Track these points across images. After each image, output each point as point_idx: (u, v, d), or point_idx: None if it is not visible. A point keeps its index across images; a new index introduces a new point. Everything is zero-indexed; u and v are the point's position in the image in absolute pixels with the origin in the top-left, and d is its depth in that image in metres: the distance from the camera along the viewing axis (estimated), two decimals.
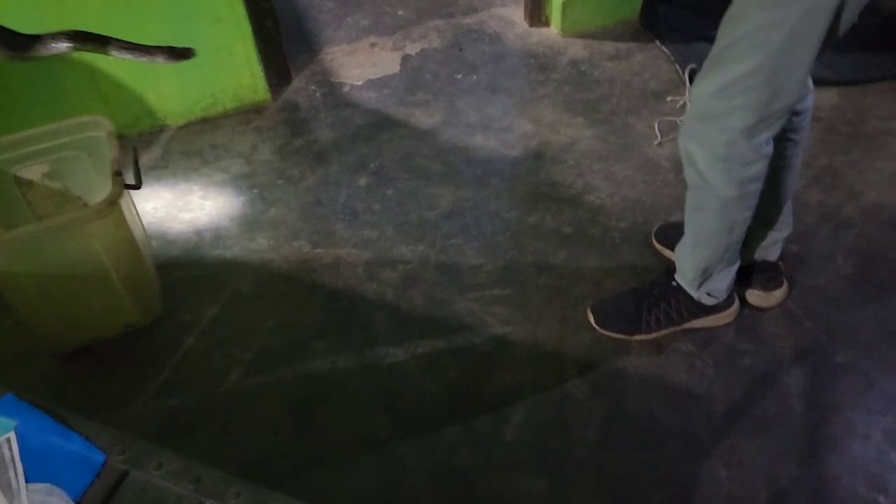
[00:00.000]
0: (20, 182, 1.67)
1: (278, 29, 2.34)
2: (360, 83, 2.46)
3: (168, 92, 2.25)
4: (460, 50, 2.60)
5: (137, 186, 1.55)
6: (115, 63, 2.13)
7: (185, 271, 1.90)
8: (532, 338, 1.69)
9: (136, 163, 1.60)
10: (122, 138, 2.27)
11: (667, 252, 1.83)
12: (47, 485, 0.92)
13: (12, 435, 0.97)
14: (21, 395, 1.03)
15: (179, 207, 2.07)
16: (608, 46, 2.59)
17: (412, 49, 2.61)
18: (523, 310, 1.75)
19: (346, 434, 1.55)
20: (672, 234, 1.79)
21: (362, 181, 2.11)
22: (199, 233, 2.00)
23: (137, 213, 1.82)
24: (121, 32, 1.19)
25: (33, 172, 1.67)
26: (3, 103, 2.10)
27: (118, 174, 1.50)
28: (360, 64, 2.56)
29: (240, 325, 1.77)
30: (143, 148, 2.27)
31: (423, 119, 2.30)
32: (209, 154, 2.24)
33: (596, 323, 1.69)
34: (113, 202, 1.45)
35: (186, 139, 2.30)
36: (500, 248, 1.90)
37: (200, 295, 1.84)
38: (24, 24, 0.97)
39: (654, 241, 1.87)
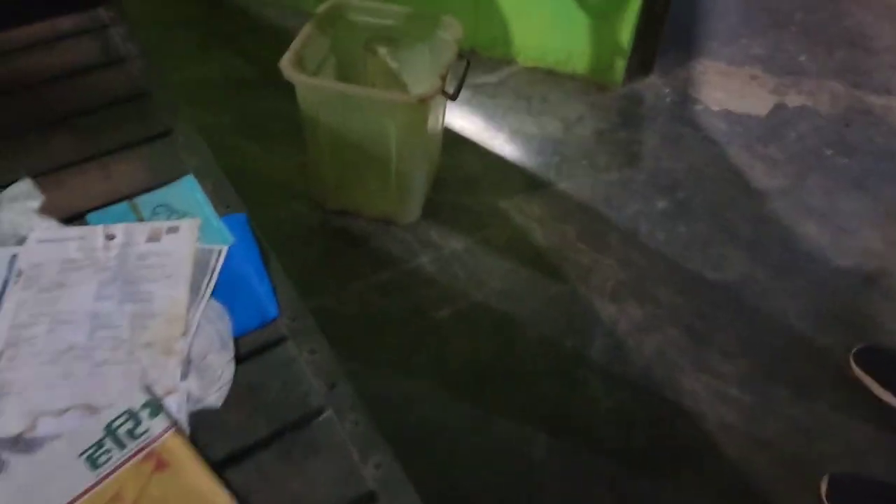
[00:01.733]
0: (368, 47, 1.76)
1: (665, 17, 2.17)
2: (716, 109, 2.22)
3: (532, 31, 2.23)
4: (846, 125, 2.21)
5: (452, 98, 1.53)
6: None
7: (455, 197, 1.90)
8: (742, 461, 1.42)
9: (463, 77, 1.59)
10: (470, 53, 2.32)
11: (867, 380, 1.49)
12: (222, 307, 0.94)
13: (224, 249, 1.00)
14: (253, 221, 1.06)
15: (484, 139, 2.07)
16: None
17: (792, 100, 2.28)
18: (751, 426, 1.47)
19: (501, 423, 1.44)
20: (880, 359, 1.48)
21: (661, 204, 1.91)
22: (487, 168, 1.98)
23: (443, 123, 1.84)
24: None
25: (381, 44, 1.74)
26: None
27: (442, 78, 1.49)
28: (729, 90, 2.30)
29: (473, 270, 1.73)
30: (484, 71, 2.29)
31: (761, 176, 2.01)
32: (536, 105, 2.19)
33: (826, 497, 1.36)
34: (422, 100, 1.45)
35: (525, 81, 2.27)
36: (764, 351, 1.60)
37: (457, 224, 1.83)
38: None
39: (852, 363, 1.53)
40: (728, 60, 2.43)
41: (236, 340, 0.91)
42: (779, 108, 2.26)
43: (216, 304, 0.95)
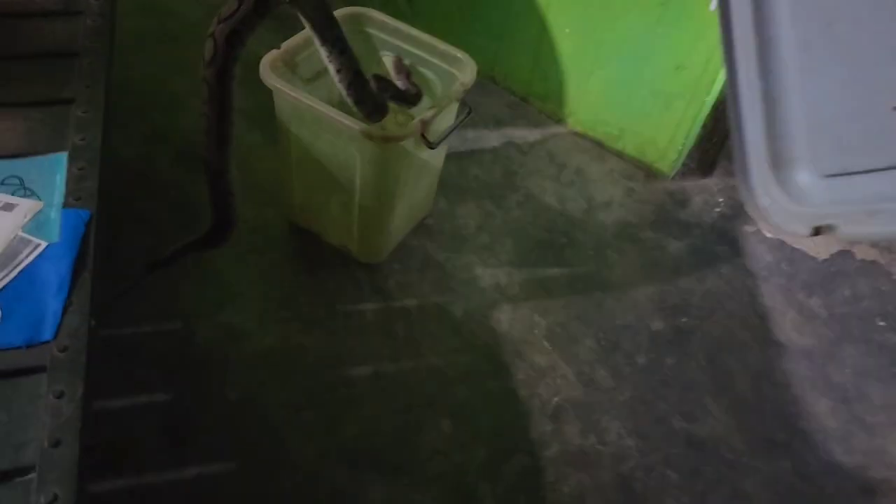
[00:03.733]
0: (380, 66, 1.62)
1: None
2: (768, 234, 1.94)
3: (588, 96, 2.04)
4: None
5: (431, 146, 1.37)
6: (567, 41, 1.96)
7: (433, 248, 1.75)
8: None
9: (454, 126, 1.43)
10: (521, 101, 2.15)
11: None
12: None
13: (42, 246, 0.89)
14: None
15: (493, 195, 1.89)
16: None
17: (863, 252, 1.97)
18: None
19: None
20: None
21: (657, 325, 1.67)
22: (480, 228, 1.80)
23: (438, 167, 1.68)
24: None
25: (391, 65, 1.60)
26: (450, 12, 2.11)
27: (423, 122, 1.33)
28: None
29: (415, 335, 1.57)
30: (528, 124, 2.13)
31: (789, 328, 1.73)
32: (567, 175, 1.99)
33: None
34: (386, 139, 1.31)
35: (566, 146, 2.08)
36: None
37: (421, 279, 1.67)
38: None
39: None
40: None
41: None
42: (842, 255, 1.95)
43: None
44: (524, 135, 2.09)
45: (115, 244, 1.53)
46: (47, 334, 0.82)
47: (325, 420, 1.38)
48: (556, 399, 1.50)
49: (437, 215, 1.80)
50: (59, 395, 0.77)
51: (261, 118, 1.92)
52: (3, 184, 0.96)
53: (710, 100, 1.85)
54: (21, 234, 0.90)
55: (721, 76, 1.79)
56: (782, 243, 1.93)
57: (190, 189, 1.76)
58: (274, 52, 1.42)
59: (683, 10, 1.73)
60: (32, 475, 0.72)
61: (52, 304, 0.84)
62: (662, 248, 1.85)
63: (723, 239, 1.92)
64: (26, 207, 0.93)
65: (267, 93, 1.43)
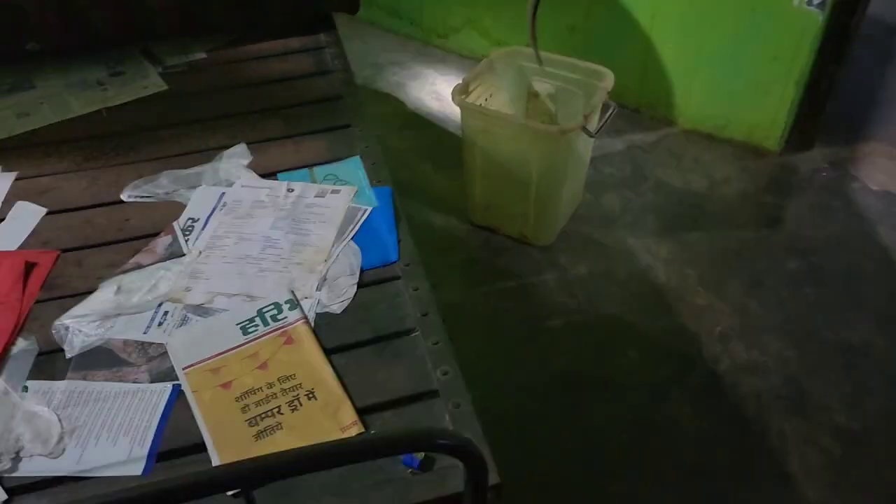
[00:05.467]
0: (530, 91, 2.04)
1: (829, 95, 2.24)
2: (874, 188, 2.22)
3: (694, 96, 2.39)
4: None
5: (591, 135, 1.76)
6: (670, 53, 2.35)
7: (590, 230, 2.09)
8: None
9: (606, 119, 1.81)
10: (634, 111, 2.53)
11: None
12: (357, 247, 1.23)
13: (368, 210, 1.31)
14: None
15: (629, 185, 2.25)
16: None
17: None
18: (836, 477, 1.48)
19: (589, 419, 1.59)
20: None
21: (792, 264, 1.96)
22: (624, 210, 2.15)
23: (587, 162, 2.06)
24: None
25: (542, 88, 2.01)
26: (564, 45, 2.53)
27: (585, 117, 1.73)
28: (893, 173, 2.28)
29: (591, 294, 1.90)
30: (644, 129, 2.48)
31: None
32: (687, 163, 2.34)
33: None
34: (563, 132, 1.69)
35: (681, 142, 2.43)
36: (867, 412, 1.60)
37: (585, 253, 2.02)
38: None
39: None
40: None
41: (362, 272, 1.19)
42: None
43: (353, 245, 1.24)
44: (643, 138, 2.45)
45: None
46: (393, 257, 1.22)
47: (539, 357, 1.73)
48: (718, 328, 1.80)
49: (586, 206, 2.17)
50: (416, 289, 1.17)
51: (429, 153, 2.38)
52: (325, 179, 1.40)
53: (804, 82, 2.19)
54: (352, 204, 1.33)
55: (811, 61, 2.14)
56: (888, 192, 2.21)
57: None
58: (458, 84, 1.86)
59: (771, 9, 2.09)
60: (416, 333, 1.10)
61: (389, 240, 1.24)
62: (782, 207, 2.16)
63: (834, 195, 2.20)
64: (348, 189, 1.36)
65: (429, 135, 1.85)
